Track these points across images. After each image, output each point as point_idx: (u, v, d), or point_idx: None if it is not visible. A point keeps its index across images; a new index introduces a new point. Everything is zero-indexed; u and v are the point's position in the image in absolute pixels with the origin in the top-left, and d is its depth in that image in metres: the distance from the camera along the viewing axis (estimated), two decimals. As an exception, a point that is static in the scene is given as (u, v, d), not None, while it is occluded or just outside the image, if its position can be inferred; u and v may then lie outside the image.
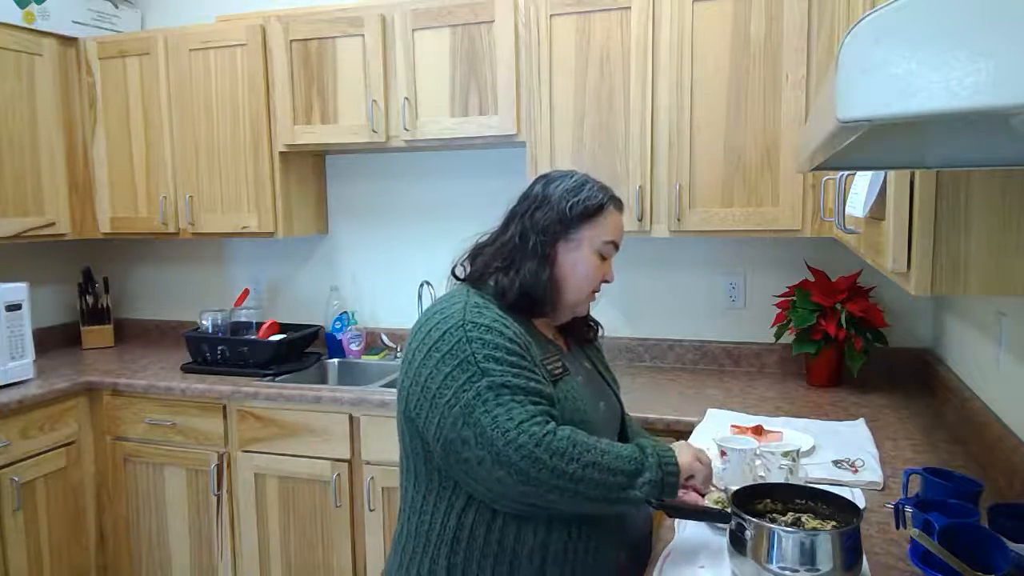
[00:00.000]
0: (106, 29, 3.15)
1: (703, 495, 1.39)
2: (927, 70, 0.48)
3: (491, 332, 1.20)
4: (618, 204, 1.40)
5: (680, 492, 1.40)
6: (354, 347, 2.97)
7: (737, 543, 1.17)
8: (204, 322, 2.93)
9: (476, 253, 1.38)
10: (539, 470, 1.11)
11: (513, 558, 1.20)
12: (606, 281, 1.39)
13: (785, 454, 1.48)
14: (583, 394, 1.32)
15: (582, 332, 1.48)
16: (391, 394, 2.42)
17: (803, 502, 1.27)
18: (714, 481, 1.43)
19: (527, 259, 1.31)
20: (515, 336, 1.22)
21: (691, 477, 1.28)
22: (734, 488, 1.29)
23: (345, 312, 3.03)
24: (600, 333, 1.52)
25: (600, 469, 1.15)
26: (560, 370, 1.30)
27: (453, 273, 1.40)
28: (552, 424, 1.16)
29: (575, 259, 1.34)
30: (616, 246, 1.38)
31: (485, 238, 1.40)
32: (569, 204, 1.33)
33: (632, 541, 1.35)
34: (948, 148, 0.89)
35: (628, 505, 1.21)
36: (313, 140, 2.74)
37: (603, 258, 1.37)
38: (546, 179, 1.39)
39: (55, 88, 2.95)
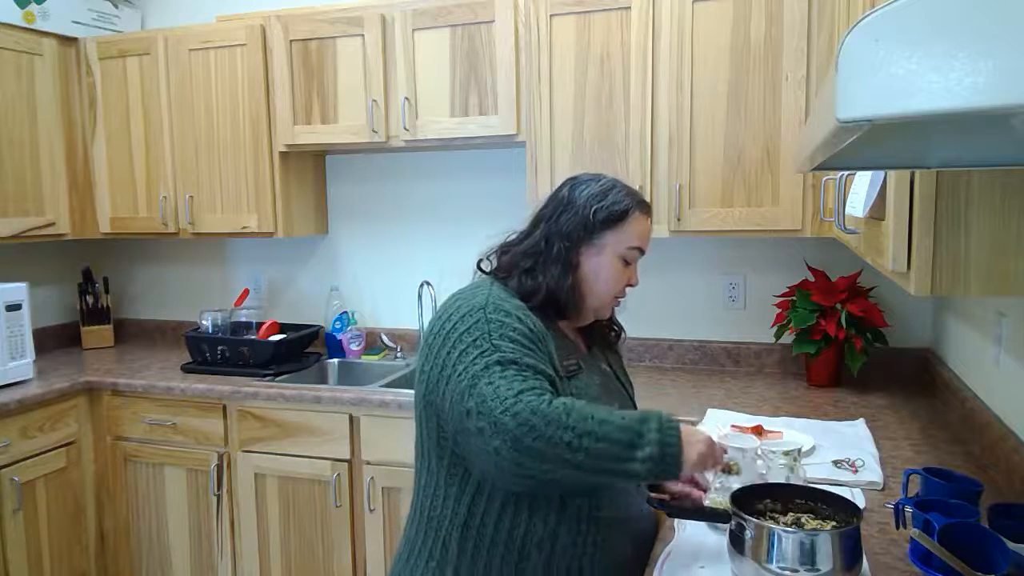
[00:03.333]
0: (106, 29, 3.15)
1: (705, 491, 1.39)
2: (927, 70, 0.48)
3: (510, 317, 1.23)
4: (645, 208, 1.39)
5: (681, 485, 1.39)
6: (354, 347, 2.97)
7: (737, 543, 1.17)
8: (204, 322, 2.93)
9: (504, 250, 1.40)
10: (534, 438, 1.08)
11: (522, 547, 1.22)
12: (631, 285, 1.41)
13: (786, 453, 1.48)
14: (598, 394, 1.33)
15: (604, 335, 1.50)
16: (391, 394, 2.42)
17: (803, 502, 1.27)
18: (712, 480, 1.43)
19: (551, 264, 1.33)
20: (533, 326, 1.25)
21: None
22: (734, 487, 1.29)
23: (345, 312, 3.03)
24: (622, 338, 1.53)
25: (596, 438, 1.10)
26: (575, 368, 1.31)
27: (479, 266, 1.42)
28: (549, 395, 1.14)
29: (597, 265, 1.35)
30: (641, 251, 1.39)
31: (513, 237, 1.41)
32: (593, 209, 1.33)
33: (639, 537, 1.36)
34: (948, 148, 0.89)
35: (630, 479, 1.19)
36: (313, 140, 2.74)
37: (627, 263, 1.38)
38: (574, 182, 1.40)
39: (55, 88, 2.95)
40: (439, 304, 1.36)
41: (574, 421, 1.11)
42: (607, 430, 1.12)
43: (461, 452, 1.22)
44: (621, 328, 1.53)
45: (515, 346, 1.18)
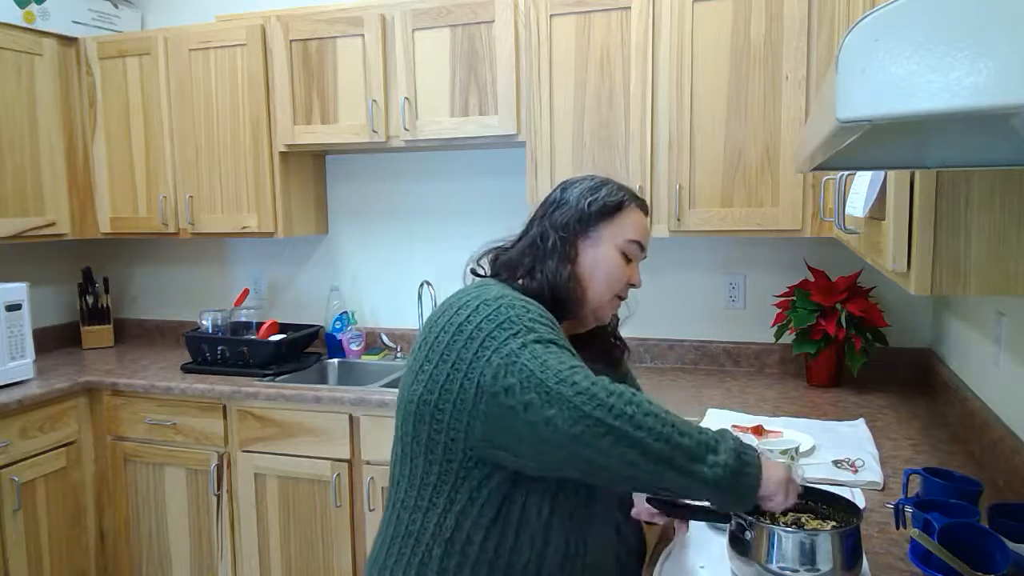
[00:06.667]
0: (106, 29, 3.15)
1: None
2: (927, 70, 0.48)
3: (530, 307, 1.15)
4: (640, 203, 1.36)
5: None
6: (354, 347, 2.97)
7: (737, 543, 1.17)
8: (204, 322, 2.93)
9: (497, 254, 1.34)
10: (595, 406, 0.99)
11: (508, 569, 1.14)
12: (633, 285, 1.35)
13: (783, 452, 1.48)
14: None
15: (608, 350, 1.41)
16: (391, 394, 2.42)
17: (803, 502, 1.26)
18: None
19: (548, 258, 1.27)
20: (552, 321, 1.17)
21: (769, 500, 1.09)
22: None
23: (345, 312, 3.03)
24: (627, 355, 1.45)
25: (663, 422, 1.01)
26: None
27: (472, 271, 1.35)
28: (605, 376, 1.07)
29: (596, 256, 1.30)
30: (642, 247, 1.34)
31: (502, 243, 1.36)
32: (588, 201, 1.30)
33: (626, 559, 1.31)
34: (948, 148, 0.89)
35: (694, 483, 1.02)
36: (313, 140, 2.74)
37: (628, 259, 1.33)
38: (565, 184, 1.37)
39: (55, 88, 2.95)
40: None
41: (638, 400, 1.03)
42: (675, 419, 1.04)
43: (478, 451, 1.10)
44: (626, 345, 1.44)
45: (547, 329, 1.11)
